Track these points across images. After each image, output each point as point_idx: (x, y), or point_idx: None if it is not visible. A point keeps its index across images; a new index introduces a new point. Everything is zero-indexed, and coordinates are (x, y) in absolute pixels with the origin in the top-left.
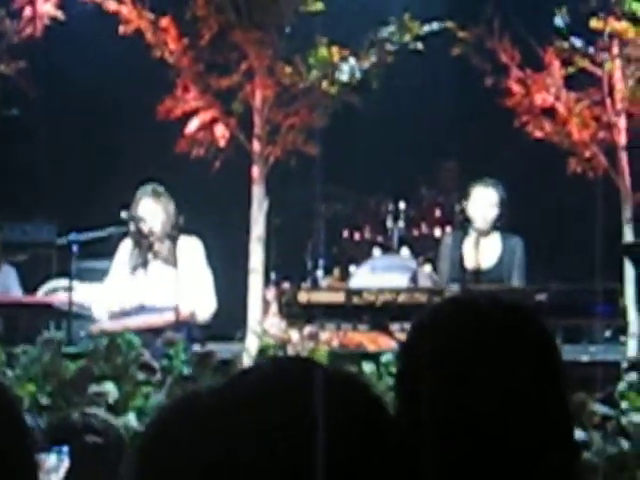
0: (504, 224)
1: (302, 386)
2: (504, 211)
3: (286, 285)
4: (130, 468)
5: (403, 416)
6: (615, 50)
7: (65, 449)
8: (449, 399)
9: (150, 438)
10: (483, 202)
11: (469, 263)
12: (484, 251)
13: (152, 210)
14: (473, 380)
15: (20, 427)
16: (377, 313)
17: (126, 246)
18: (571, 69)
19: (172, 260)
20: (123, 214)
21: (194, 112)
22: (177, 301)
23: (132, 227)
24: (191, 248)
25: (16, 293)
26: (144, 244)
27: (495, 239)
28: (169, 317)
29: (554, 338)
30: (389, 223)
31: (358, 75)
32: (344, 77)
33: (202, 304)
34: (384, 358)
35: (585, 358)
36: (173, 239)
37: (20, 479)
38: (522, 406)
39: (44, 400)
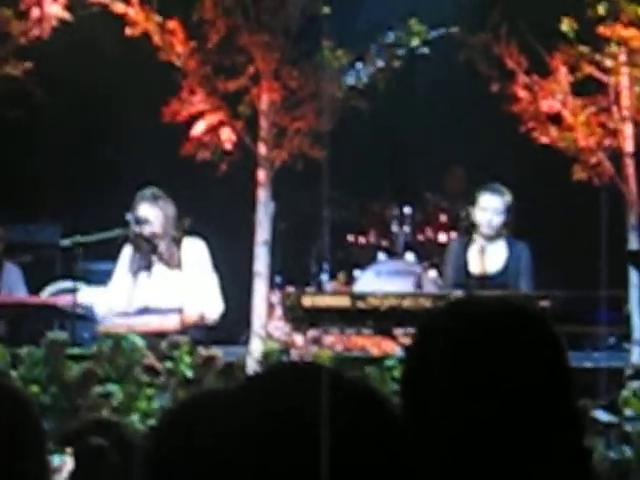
0: (510, 230)
1: (308, 390)
2: (510, 217)
3: (291, 289)
4: (139, 472)
5: (409, 421)
6: (622, 57)
7: (69, 451)
8: (456, 403)
9: (158, 441)
10: (490, 208)
11: (474, 269)
12: (490, 257)
13: (150, 214)
14: (481, 384)
15: (36, 427)
16: (381, 318)
17: (129, 249)
18: (578, 75)
19: (175, 262)
20: (128, 216)
21: (200, 115)
22: (183, 303)
23: (134, 230)
24: (195, 250)
25: (20, 293)
26: (145, 247)
27: (501, 245)
28: (177, 320)
29: (561, 339)
30: (394, 228)
31: (365, 79)
32: (351, 81)
33: (208, 306)
34: (388, 363)
35: (589, 365)
36: (177, 241)
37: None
38: (531, 411)
39: (48, 401)
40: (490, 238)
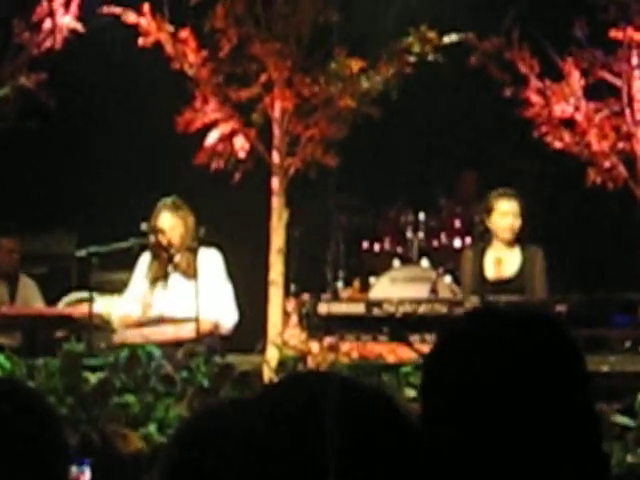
0: (525, 235)
1: (325, 398)
2: (525, 222)
3: (306, 296)
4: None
5: (426, 427)
6: (634, 60)
7: (86, 461)
8: (474, 412)
9: (175, 450)
10: (504, 214)
11: (490, 274)
12: (505, 262)
13: (171, 223)
14: (500, 391)
15: (60, 442)
16: (397, 324)
17: (146, 258)
18: (590, 79)
19: (192, 272)
20: (143, 226)
21: (213, 124)
22: (198, 313)
23: (151, 239)
24: (211, 260)
25: (37, 305)
26: (163, 256)
27: (516, 250)
28: (193, 329)
29: (579, 347)
30: (409, 234)
31: (377, 86)
32: (363, 88)
33: (224, 315)
34: (404, 369)
35: (605, 369)
36: (193, 251)
37: None
38: (549, 419)
39: (65, 412)
40: (506, 243)
